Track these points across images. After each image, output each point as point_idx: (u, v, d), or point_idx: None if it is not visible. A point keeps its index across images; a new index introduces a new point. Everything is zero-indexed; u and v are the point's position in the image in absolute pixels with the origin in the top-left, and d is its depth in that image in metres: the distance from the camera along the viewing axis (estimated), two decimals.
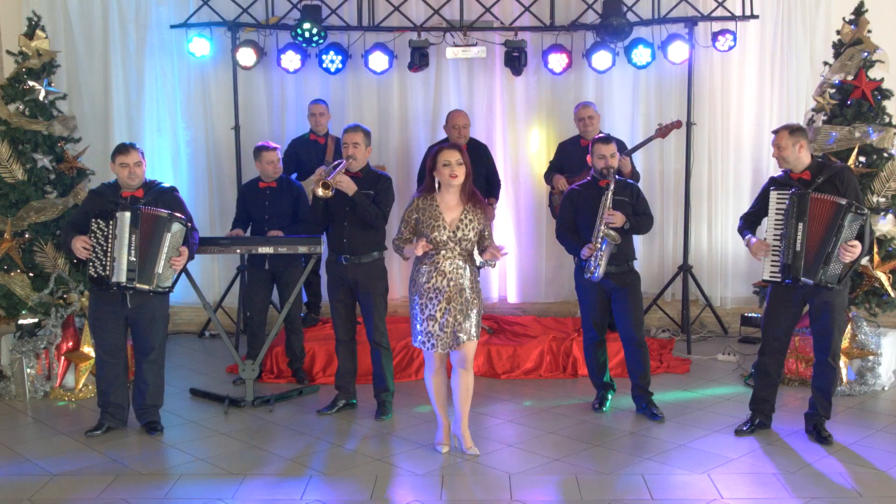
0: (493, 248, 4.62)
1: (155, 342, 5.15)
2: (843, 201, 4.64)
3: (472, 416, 5.05)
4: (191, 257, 5.16)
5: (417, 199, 4.69)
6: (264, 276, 6.14)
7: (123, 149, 5.01)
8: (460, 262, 4.61)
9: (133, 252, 4.89)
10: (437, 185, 4.66)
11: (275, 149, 6.17)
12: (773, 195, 4.86)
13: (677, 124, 6.87)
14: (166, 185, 5.18)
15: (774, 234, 4.84)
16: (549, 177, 7.01)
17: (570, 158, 6.81)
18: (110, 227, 4.90)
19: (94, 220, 4.94)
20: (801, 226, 4.72)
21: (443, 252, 4.59)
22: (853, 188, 4.77)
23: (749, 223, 5.11)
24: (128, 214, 4.89)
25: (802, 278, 4.75)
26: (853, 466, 4.56)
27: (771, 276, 4.88)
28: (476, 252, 4.74)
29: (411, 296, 4.69)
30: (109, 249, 4.90)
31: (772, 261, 4.85)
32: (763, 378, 5.07)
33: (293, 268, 6.14)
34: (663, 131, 6.83)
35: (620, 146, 6.74)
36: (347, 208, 5.22)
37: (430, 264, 4.60)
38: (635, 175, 6.67)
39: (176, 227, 4.96)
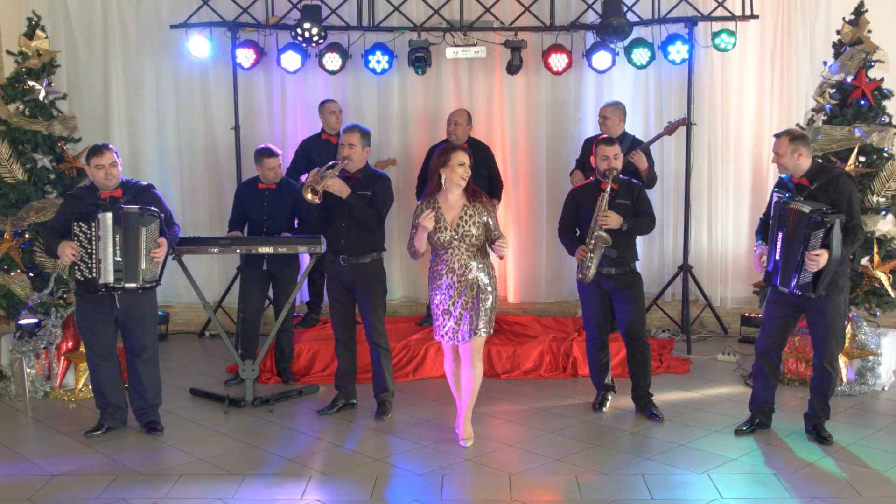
0: (497, 244, 4.77)
1: (147, 341, 5.14)
2: (807, 209, 4.59)
3: (472, 416, 5.05)
4: (171, 249, 5.14)
5: (422, 204, 4.84)
6: (261, 276, 6.13)
7: (97, 150, 4.97)
8: (468, 258, 4.75)
9: (118, 252, 4.87)
10: (443, 183, 4.77)
11: (277, 154, 6.13)
12: (775, 197, 4.88)
13: (683, 121, 6.88)
14: (143, 183, 5.17)
15: (771, 238, 4.86)
16: (572, 173, 7.01)
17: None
18: (93, 229, 4.88)
19: (75, 223, 4.91)
20: (780, 234, 4.73)
21: (449, 250, 4.74)
22: (847, 196, 4.69)
23: (764, 225, 5.07)
24: (110, 215, 4.87)
25: (780, 286, 4.77)
26: (853, 467, 4.56)
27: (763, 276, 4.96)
28: (488, 247, 4.87)
29: (430, 293, 4.91)
30: (94, 251, 4.88)
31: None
32: (758, 377, 5.08)
33: (290, 267, 6.14)
34: (670, 129, 6.81)
35: (636, 143, 6.74)
36: (346, 209, 5.22)
37: (441, 263, 4.79)
38: (652, 175, 6.63)
39: (148, 219, 4.93)
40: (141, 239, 4.91)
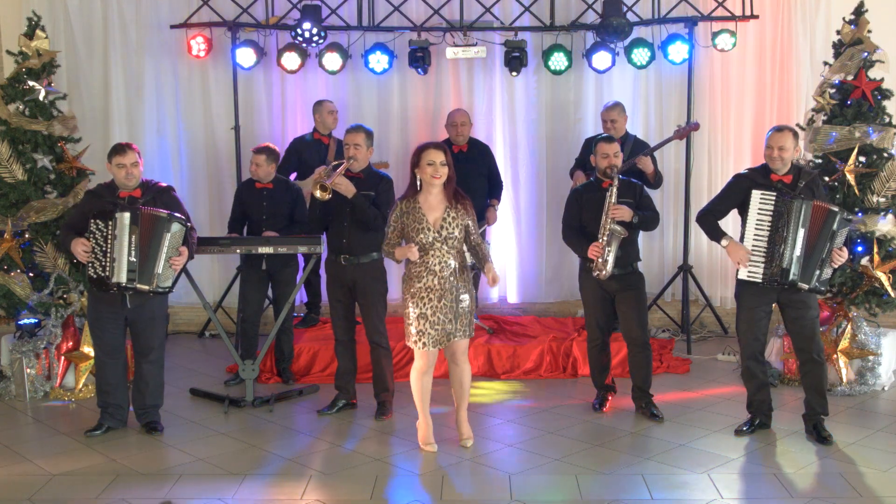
0: (492, 273, 4.65)
1: (154, 342, 5.15)
2: (836, 208, 4.73)
3: (472, 417, 5.07)
4: (190, 257, 5.15)
5: (401, 203, 4.75)
6: (261, 276, 6.12)
7: (120, 149, 4.99)
8: (449, 261, 4.67)
9: (133, 252, 4.88)
10: (419, 185, 4.70)
11: (265, 153, 6.07)
12: (757, 195, 4.83)
13: (695, 127, 6.86)
14: (163, 184, 5.17)
15: (757, 235, 4.83)
16: (572, 172, 7.01)
17: None
18: (109, 227, 4.89)
19: (92, 220, 4.92)
20: (802, 231, 4.73)
21: (431, 252, 4.65)
22: (825, 197, 4.93)
23: (714, 219, 5.07)
24: (127, 215, 4.88)
25: (799, 283, 4.77)
26: (853, 466, 4.56)
27: (749, 276, 4.86)
28: (465, 250, 4.78)
29: (404, 297, 4.76)
30: (109, 250, 4.89)
31: (753, 262, 4.84)
32: (752, 381, 5.06)
33: (289, 267, 6.14)
34: (681, 133, 6.79)
35: (639, 143, 6.74)
36: (348, 209, 5.22)
37: (420, 265, 4.67)
38: (658, 177, 6.62)
39: (175, 227, 4.96)
40: (163, 244, 4.91)
